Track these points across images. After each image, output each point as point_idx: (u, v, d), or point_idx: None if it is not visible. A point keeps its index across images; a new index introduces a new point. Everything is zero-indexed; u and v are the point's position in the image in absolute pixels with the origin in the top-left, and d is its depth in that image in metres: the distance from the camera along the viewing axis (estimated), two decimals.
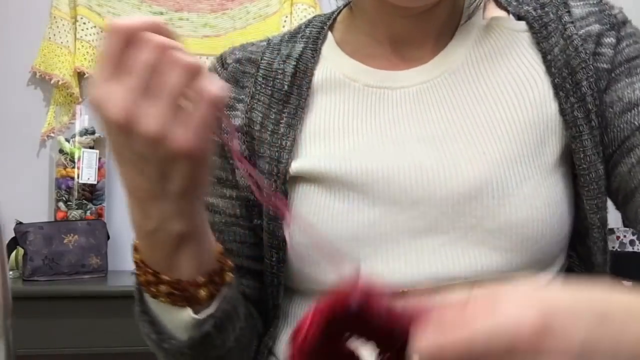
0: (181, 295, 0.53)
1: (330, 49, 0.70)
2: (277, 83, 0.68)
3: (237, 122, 0.67)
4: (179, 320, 0.55)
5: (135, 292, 0.58)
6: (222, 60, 0.72)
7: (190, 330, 0.55)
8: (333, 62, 0.69)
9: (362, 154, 0.63)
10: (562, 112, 0.63)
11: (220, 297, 0.56)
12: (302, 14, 2.11)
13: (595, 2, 0.67)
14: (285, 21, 2.14)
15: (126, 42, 0.44)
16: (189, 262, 0.52)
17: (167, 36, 0.45)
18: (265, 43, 0.73)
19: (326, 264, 0.60)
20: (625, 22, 0.67)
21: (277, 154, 0.64)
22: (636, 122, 0.62)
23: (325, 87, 0.68)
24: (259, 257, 0.67)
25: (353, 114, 0.65)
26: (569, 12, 0.66)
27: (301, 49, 0.69)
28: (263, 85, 0.68)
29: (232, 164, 0.68)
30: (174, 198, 0.48)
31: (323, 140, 0.65)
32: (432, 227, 0.60)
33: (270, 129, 0.66)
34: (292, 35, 0.73)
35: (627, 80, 0.64)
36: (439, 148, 0.62)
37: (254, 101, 0.68)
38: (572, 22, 0.65)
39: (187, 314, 0.54)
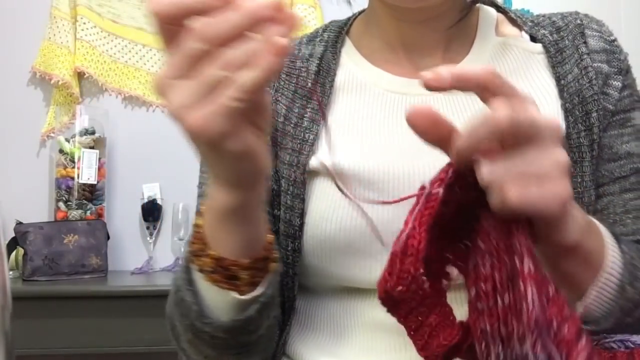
0: (223, 274, 0.53)
1: (349, 53, 0.73)
2: (300, 80, 0.70)
3: None
4: (223, 299, 0.54)
5: (183, 259, 0.58)
6: None
7: (232, 311, 0.55)
8: (354, 65, 0.72)
9: (380, 154, 0.64)
10: (567, 136, 0.65)
11: (266, 281, 0.55)
12: (302, 14, 2.11)
13: (609, 39, 0.70)
14: None
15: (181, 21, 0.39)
16: (231, 240, 0.52)
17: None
18: None
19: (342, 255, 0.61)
20: (628, 70, 0.70)
21: (299, 145, 0.67)
22: (615, 174, 0.66)
23: (347, 88, 0.70)
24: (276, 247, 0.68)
25: (373, 116, 0.67)
26: (585, 42, 0.69)
27: (322, 51, 0.72)
28: (287, 82, 0.71)
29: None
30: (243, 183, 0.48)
31: (343, 138, 0.66)
32: None
33: (293, 122, 0.68)
34: (311, 39, 0.75)
35: (619, 130, 0.67)
36: None
37: (278, 94, 0.70)
38: (588, 54, 0.68)
39: (232, 295, 0.54)
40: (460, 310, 0.45)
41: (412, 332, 0.44)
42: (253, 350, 0.60)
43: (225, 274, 0.53)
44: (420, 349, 0.44)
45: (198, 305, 0.55)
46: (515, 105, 0.39)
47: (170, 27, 0.40)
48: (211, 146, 0.43)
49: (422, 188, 0.41)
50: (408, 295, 0.41)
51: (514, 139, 0.40)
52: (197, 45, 0.39)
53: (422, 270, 0.39)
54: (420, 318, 0.43)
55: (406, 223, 0.40)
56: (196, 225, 0.54)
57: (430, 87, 0.41)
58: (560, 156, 0.41)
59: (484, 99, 0.41)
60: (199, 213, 0.54)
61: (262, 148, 0.46)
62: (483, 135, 0.39)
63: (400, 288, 0.40)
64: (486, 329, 0.39)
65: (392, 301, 0.42)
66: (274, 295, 0.58)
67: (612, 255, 0.52)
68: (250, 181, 0.48)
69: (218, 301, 0.55)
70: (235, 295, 0.53)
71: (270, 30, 0.39)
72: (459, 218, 0.42)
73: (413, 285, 0.40)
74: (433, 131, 0.42)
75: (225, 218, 0.50)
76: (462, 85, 0.41)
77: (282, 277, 0.67)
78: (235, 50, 0.39)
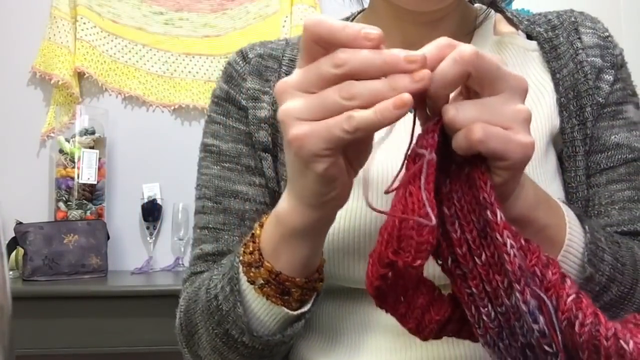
0: (276, 288, 0.54)
1: None
2: None
3: (264, 113, 0.70)
4: (273, 313, 0.56)
5: (231, 268, 0.57)
6: (243, 55, 0.75)
7: (279, 325, 0.56)
8: None
9: (380, 154, 0.63)
10: (562, 130, 0.66)
11: (313, 299, 0.57)
12: (302, 14, 2.11)
13: (603, 35, 0.71)
14: (285, 21, 2.14)
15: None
16: (294, 257, 0.53)
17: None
18: (283, 42, 0.76)
19: (342, 259, 0.61)
20: (623, 65, 0.71)
21: None
22: (602, 165, 0.66)
23: None
24: None
25: None
26: (579, 38, 0.70)
27: None
28: None
29: (259, 154, 0.70)
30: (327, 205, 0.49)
31: None
32: None
33: None
34: None
35: (609, 122, 0.68)
36: None
37: None
38: (582, 49, 0.69)
39: (283, 310, 0.55)
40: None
41: (402, 318, 0.44)
42: (277, 357, 0.62)
43: (278, 288, 0.54)
44: (414, 329, 0.44)
45: (247, 317, 0.56)
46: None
47: (315, 47, 0.42)
48: (302, 162, 0.44)
49: (414, 155, 0.41)
50: (397, 280, 0.40)
51: (479, 79, 0.41)
52: (334, 69, 0.41)
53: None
54: (409, 302, 0.43)
55: (409, 193, 0.39)
56: (253, 235, 0.55)
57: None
58: (523, 108, 0.42)
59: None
60: (260, 224, 0.55)
61: (347, 181, 0.47)
62: (450, 69, 0.40)
63: (419, 262, 0.38)
64: (472, 292, 0.40)
65: (382, 291, 0.42)
66: (314, 312, 0.59)
67: (571, 234, 0.52)
68: (329, 207, 0.49)
69: (266, 313, 0.56)
70: (286, 310, 0.55)
71: (399, 80, 0.40)
72: None
73: (427, 258, 0.38)
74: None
75: (294, 235, 0.51)
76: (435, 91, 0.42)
77: None
78: (362, 85, 0.40)
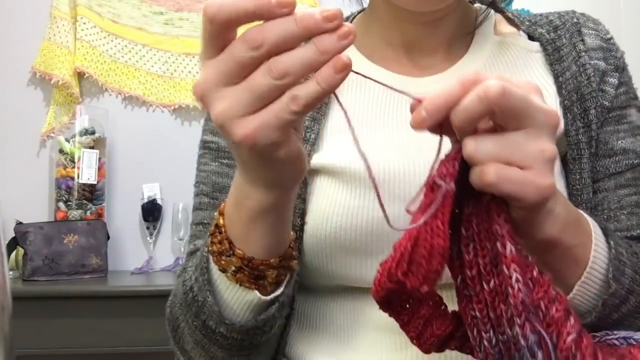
0: (249, 274, 0.53)
1: (349, 51, 0.72)
2: None
3: None
4: (245, 299, 0.55)
5: (201, 259, 0.57)
6: None
7: (252, 311, 0.55)
8: (354, 64, 0.70)
9: (380, 152, 0.63)
10: (566, 133, 0.66)
11: (286, 281, 0.56)
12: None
13: (605, 37, 0.71)
14: None
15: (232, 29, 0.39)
16: (264, 239, 0.52)
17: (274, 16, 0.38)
18: None
19: (338, 257, 0.61)
20: (624, 67, 0.71)
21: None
22: (610, 170, 0.66)
23: (347, 86, 0.69)
24: None
25: (373, 114, 0.67)
26: (582, 40, 0.69)
27: None
28: None
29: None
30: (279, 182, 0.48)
31: (342, 136, 0.66)
32: None
33: None
34: None
35: (615, 127, 0.68)
36: None
37: None
38: (585, 51, 0.69)
39: (254, 294, 0.54)
40: (450, 308, 0.45)
41: (404, 326, 0.44)
42: (262, 350, 0.61)
43: (252, 273, 0.53)
44: (415, 339, 0.44)
45: (218, 305, 0.55)
46: (510, 83, 0.39)
47: (222, 35, 0.39)
48: (259, 155, 0.42)
49: (433, 184, 0.40)
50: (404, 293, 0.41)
51: (504, 116, 0.39)
52: (251, 52, 0.38)
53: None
54: (412, 311, 0.43)
55: (425, 223, 0.39)
56: (217, 226, 0.54)
57: (419, 129, 0.40)
58: (548, 147, 0.40)
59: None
60: (220, 213, 0.54)
61: (303, 151, 0.46)
62: (473, 106, 0.38)
63: (425, 288, 0.39)
64: (476, 315, 0.40)
65: (387, 298, 0.42)
66: (289, 294, 0.59)
67: (596, 251, 0.51)
68: (290, 182, 0.48)
69: (239, 301, 0.55)
70: (256, 294, 0.54)
71: (326, 42, 0.38)
72: None
73: (436, 284, 0.39)
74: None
75: (260, 217, 0.50)
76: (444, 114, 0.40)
77: None
78: (290, 59, 0.38)
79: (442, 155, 0.41)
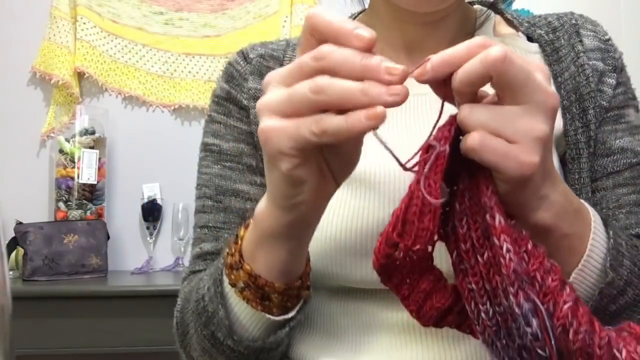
0: (255, 292, 0.53)
1: None
2: None
3: None
4: (255, 318, 0.55)
5: (216, 270, 0.57)
6: (244, 55, 0.75)
7: (262, 331, 0.56)
8: None
9: (382, 154, 0.63)
10: (565, 133, 0.66)
11: (297, 307, 0.56)
12: (302, 14, 2.11)
13: (603, 38, 0.71)
14: (285, 21, 2.15)
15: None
16: (274, 262, 0.52)
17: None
18: (284, 43, 0.76)
19: (343, 256, 0.61)
20: (623, 68, 0.71)
21: None
22: (608, 169, 0.67)
23: None
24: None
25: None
26: (581, 41, 0.70)
27: None
28: None
29: (260, 153, 0.69)
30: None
31: None
32: None
33: None
34: None
35: (613, 126, 0.68)
36: None
37: None
38: (584, 52, 0.69)
39: (265, 316, 0.55)
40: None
41: (404, 300, 0.44)
42: None
43: (258, 292, 0.53)
44: (414, 312, 0.45)
45: (228, 319, 0.56)
46: (516, 55, 0.39)
47: (311, 40, 0.41)
48: (268, 157, 0.43)
49: (428, 146, 0.41)
50: (404, 262, 0.41)
51: (501, 84, 0.40)
52: (312, 62, 0.40)
53: (437, 228, 0.40)
54: (413, 285, 0.44)
55: (417, 182, 0.40)
56: (237, 237, 0.54)
57: (420, 81, 0.41)
58: (540, 127, 0.40)
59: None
60: (245, 225, 0.54)
61: (321, 188, 0.46)
62: (471, 67, 0.39)
63: (418, 247, 0.39)
64: (472, 288, 0.41)
65: (388, 269, 0.43)
66: (301, 320, 0.59)
67: (594, 240, 0.51)
68: (297, 210, 0.47)
69: (248, 317, 0.55)
70: (268, 316, 0.54)
71: (373, 88, 0.38)
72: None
73: (429, 244, 0.40)
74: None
75: (269, 237, 0.51)
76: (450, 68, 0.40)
77: None
78: (333, 81, 0.39)
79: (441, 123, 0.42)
